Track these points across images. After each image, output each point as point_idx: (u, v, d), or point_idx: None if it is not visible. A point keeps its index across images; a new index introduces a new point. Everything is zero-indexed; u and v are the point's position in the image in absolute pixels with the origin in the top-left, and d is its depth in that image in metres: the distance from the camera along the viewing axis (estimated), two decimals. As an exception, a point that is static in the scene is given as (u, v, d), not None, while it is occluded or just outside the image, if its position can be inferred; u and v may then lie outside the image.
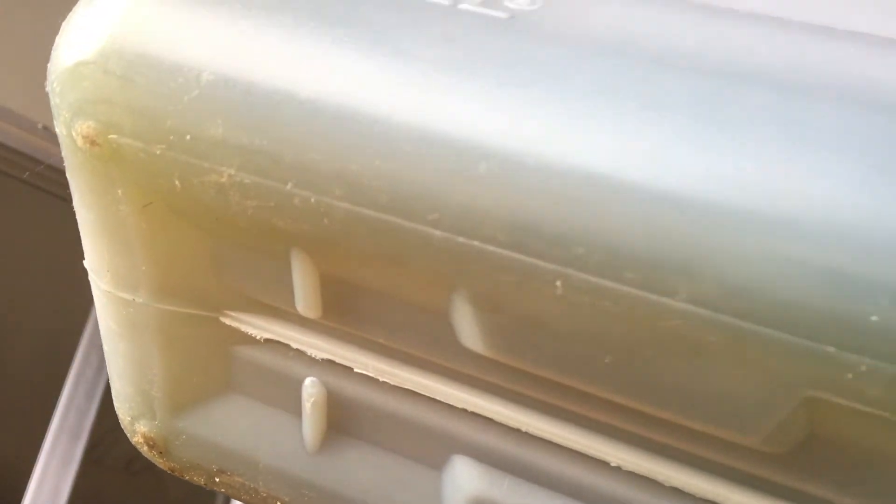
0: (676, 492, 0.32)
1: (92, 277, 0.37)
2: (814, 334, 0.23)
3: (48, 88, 0.32)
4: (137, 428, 0.41)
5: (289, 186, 0.29)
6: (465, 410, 0.35)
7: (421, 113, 0.27)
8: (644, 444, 0.32)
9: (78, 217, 0.36)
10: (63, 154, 0.34)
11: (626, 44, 0.27)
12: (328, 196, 0.28)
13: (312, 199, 0.29)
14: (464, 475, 0.35)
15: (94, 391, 1.27)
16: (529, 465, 0.34)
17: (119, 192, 0.32)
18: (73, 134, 0.31)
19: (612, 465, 0.32)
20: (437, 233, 0.27)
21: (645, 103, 0.25)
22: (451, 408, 0.35)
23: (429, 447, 0.36)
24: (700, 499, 0.32)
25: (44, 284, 1.71)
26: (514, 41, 0.27)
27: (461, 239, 0.27)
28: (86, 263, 0.37)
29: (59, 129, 0.32)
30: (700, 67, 0.26)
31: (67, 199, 1.21)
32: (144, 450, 0.42)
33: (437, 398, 0.35)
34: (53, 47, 0.32)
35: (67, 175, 0.35)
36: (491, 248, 0.27)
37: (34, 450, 1.20)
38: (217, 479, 0.41)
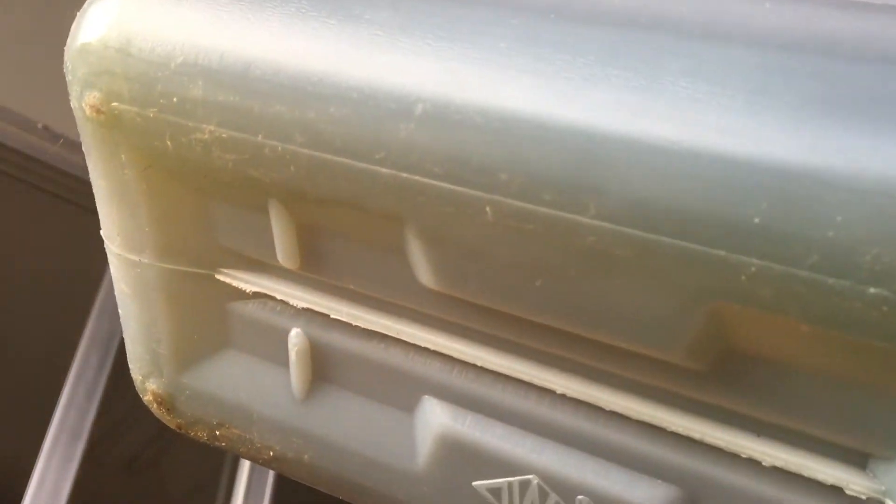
0: (617, 416, 0.35)
1: (106, 244, 0.40)
2: (707, 240, 0.26)
3: (65, 70, 0.36)
4: (148, 386, 0.44)
5: (259, 137, 0.33)
6: (429, 351, 0.38)
7: (366, 65, 0.31)
8: (584, 370, 0.35)
9: (93, 188, 0.39)
10: (78, 128, 0.37)
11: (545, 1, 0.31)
12: (292, 143, 0.33)
13: (279, 148, 0.33)
14: (430, 414, 0.38)
15: (94, 391, 1.27)
16: (488, 400, 0.37)
17: (123, 157, 0.36)
18: (84, 105, 0.35)
19: (558, 392, 0.35)
20: (384, 170, 0.31)
21: (558, 50, 0.29)
22: (417, 349, 0.38)
23: (400, 390, 0.40)
24: (638, 421, 0.35)
25: (44, 284, 1.71)
26: (446, 5, 0.32)
27: (405, 175, 0.31)
28: (102, 232, 0.40)
29: (73, 104, 0.36)
30: (607, 20, 0.30)
31: (68, 200, 1.21)
32: (154, 408, 0.45)
33: (405, 339, 0.38)
34: (69, 36, 0.36)
35: (83, 148, 0.38)
36: (430, 181, 0.31)
37: (34, 449, 1.20)
38: (217, 433, 0.44)
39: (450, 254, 0.33)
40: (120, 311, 0.42)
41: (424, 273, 0.34)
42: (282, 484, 1.37)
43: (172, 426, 0.46)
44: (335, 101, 0.31)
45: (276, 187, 0.35)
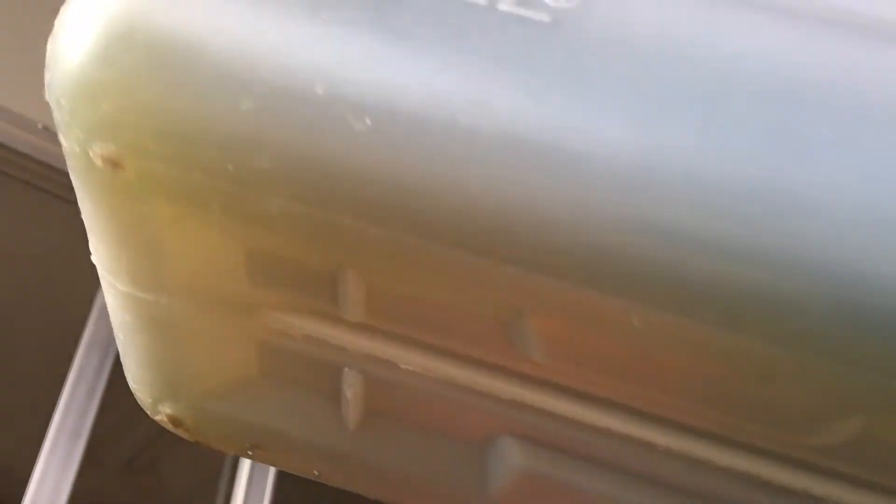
0: (707, 464, 0.34)
1: (104, 276, 0.37)
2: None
3: (48, 98, 0.30)
4: (161, 409, 0.42)
5: (347, 220, 0.29)
6: (510, 400, 0.36)
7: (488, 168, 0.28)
8: (685, 430, 0.34)
9: (87, 220, 0.35)
10: (70, 164, 0.32)
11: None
12: (393, 230, 0.29)
13: (373, 232, 0.29)
14: (509, 452, 0.37)
15: (94, 391, 1.26)
16: (572, 443, 0.36)
17: (144, 207, 0.32)
18: (90, 154, 0.30)
19: (659, 445, 0.35)
20: (508, 267, 0.29)
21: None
22: (497, 397, 0.37)
23: (471, 428, 0.39)
24: (734, 470, 0.34)
25: (44, 284, 1.71)
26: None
27: (529, 273, 0.28)
28: (96, 262, 0.37)
29: (69, 145, 0.30)
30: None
31: (67, 199, 1.20)
32: (169, 427, 0.43)
33: (484, 391, 0.36)
34: (49, 51, 0.30)
35: (74, 182, 0.33)
36: (566, 285, 0.28)
37: (34, 450, 1.19)
38: (250, 452, 0.43)
39: (578, 342, 0.31)
40: (120, 336, 0.40)
41: (537, 352, 0.32)
42: (282, 484, 1.37)
43: (190, 440, 0.44)
44: (448, 195, 0.27)
45: (358, 261, 0.32)
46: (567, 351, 0.32)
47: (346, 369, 0.38)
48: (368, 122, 0.27)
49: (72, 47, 0.29)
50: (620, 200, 0.26)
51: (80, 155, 0.30)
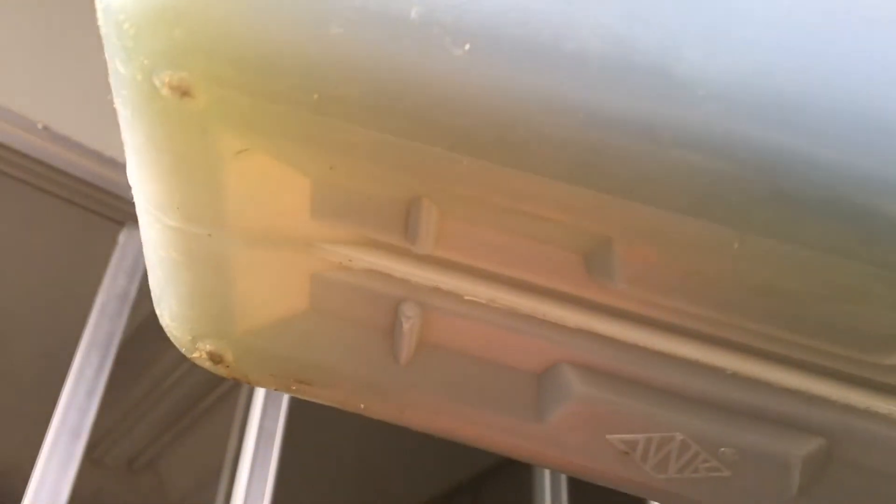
0: (765, 383, 0.36)
1: (149, 210, 0.36)
2: None
3: (102, 21, 0.28)
4: (200, 346, 0.41)
5: (437, 149, 0.28)
6: (570, 327, 0.37)
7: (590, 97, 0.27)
8: (744, 348, 0.35)
9: (138, 154, 0.34)
10: (122, 94, 0.31)
11: None
12: (484, 159, 0.28)
13: (461, 161, 0.28)
14: (566, 380, 0.38)
15: (94, 391, 1.26)
16: (631, 366, 0.37)
17: (208, 138, 0.31)
18: (155, 81, 0.28)
19: (713, 365, 0.35)
20: (604, 195, 0.28)
21: None
22: (553, 324, 0.37)
23: (529, 357, 0.39)
24: (786, 388, 0.36)
25: (44, 284, 1.71)
26: None
27: (617, 200, 0.28)
28: (139, 197, 0.36)
29: (129, 72, 0.29)
30: None
31: (68, 199, 1.19)
32: (207, 364, 0.42)
33: (548, 320, 0.37)
34: None
35: (125, 113, 0.31)
36: (660, 210, 0.28)
37: (34, 449, 1.19)
38: (294, 388, 0.43)
39: (667, 268, 0.31)
40: (158, 274, 0.39)
41: (619, 281, 0.33)
42: (282, 484, 1.37)
43: (225, 376, 0.44)
44: (551, 121, 0.27)
45: (437, 191, 0.31)
46: (652, 278, 0.32)
47: (405, 302, 0.38)
48: (467, 46, 0.26)
49: None
50: (728, 125, 0.26)
51: (141, 83, 0.29)
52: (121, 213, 1.32)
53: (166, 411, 1.91)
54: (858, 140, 0.26)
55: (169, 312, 0.41)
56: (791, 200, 0.27)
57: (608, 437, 0.38)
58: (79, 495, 1.19)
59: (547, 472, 1.70)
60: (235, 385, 1.67)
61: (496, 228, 0.33)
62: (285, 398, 1.42)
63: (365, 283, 0.38)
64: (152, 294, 0.41)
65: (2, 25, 1.41)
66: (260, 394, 1.42)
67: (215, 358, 0.42)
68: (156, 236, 0.37)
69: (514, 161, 0.28)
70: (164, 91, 0.28)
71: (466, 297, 0.37)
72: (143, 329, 1.52)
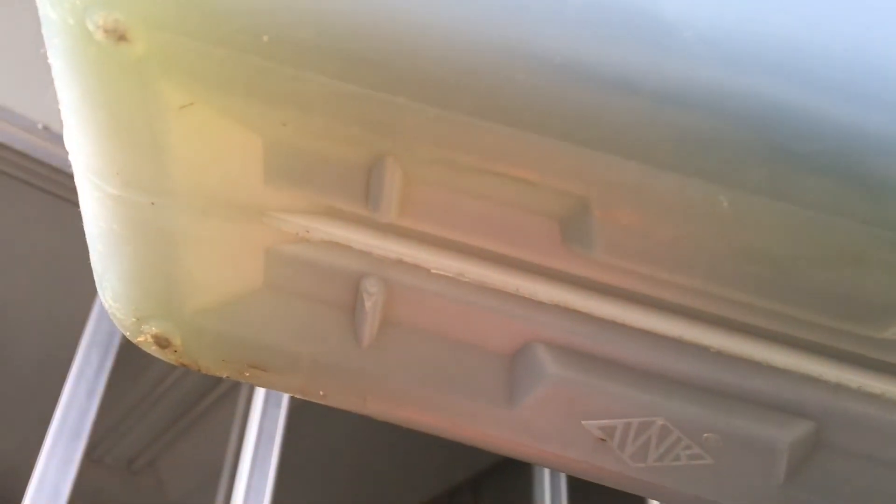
0: (750, 362, 0.34)
1: (87, 177, 0.34)
2: None
3: None
4: (145, 329, 0.39)
5: (401, 98, 0.26)
6: (541, 302, 0.35)
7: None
8: (728, 324, 0.34)
9: (72, 111, 0.31)
10: (54, 42, 0.28)
11: None
12: (453, 109, 0.26)
13: (428, 112, 0.26)
14: (539, 360, 0.36)
15: (94, 391, 1.27)
16: (607, 346, 0.35)
17: (148, 91, 0.29)
18: (88, 24, 0.26)
19: (695, 343, 0.34)
20: (573, 147, 0.27)
21: None
22: (524, 299, 0.35)
23: (497, 334, 0.37)
24: (772, 366, 0.34)
25: (44, 284, 1.72)
26: None
27: (596, 154, 0.27)
28: (76, 161, 0.33)
29: (59, 15, 0.26)
30: None
31: (68, 200, 1.20)
32: (152, 349, 0.40)
33: (521, 295, 0.35)
34: None
35: (58, 63, 0.29)
36: (640, 165, 0.27)
37: (35, 449, 1.20)
38: (247, 374, 0.40)
39: (648, 232, 0.29)
40: (98, 248, 0.36)
41: (598, 249, 0.31)
42: (282, 484, 1.37)
43: (174, 363, 0.41)
44: (525, 67, 0.25)
45: (401, 149, 0.29)
46: (633, 244, 0.30)
47: (367, 277, 0.36)
48: None
49: None
50: (718, 72, 0.25)
51: (73, 27, 0.26)
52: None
53: (166, 411, 1.92)
54: (861, 90, 0.24)
55: (111, 292, 0.38)
56: (786, 155, 0.25)
57: (584, 423, 0.36)
58: (79, 495, 1.20)
59: (547, 471, 1.70)
60: (235, 385, 1.67)
61: (465, 193, 0.31)
62: (285, 398, 1.42)
63: (323, 257, 0.36)
64: (94, 272, 0.38)
65: (1, 26, 1.42)
66: (260, 394, 1.42)
67: (162, 342, 0.39)
68: (95, 206, 0.34)
69: (484, 111, 0.26)
70: (98, 35, 0.26)
71: (433, 271, 0.35)
72: (143, 329, 1.52)
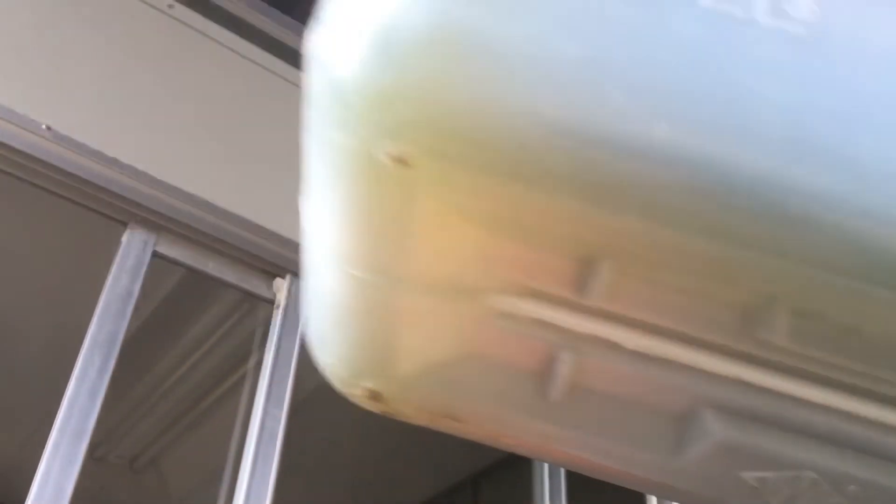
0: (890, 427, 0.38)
1: (333, 261, 0.39)
2: None
3: (316, 91, 0.30)
4: (360, 382, 0.44)
5: (632, 218, 0.30)
6: (719, 374, 0.39)
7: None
8: (878, 397, 0.37)
9: (334, 211, 0.36)
10: (330, 157, 0.33)
11: None
12: (678, 228, 0.30)
13: (654, 230, 0.31)
14: (709, 424, 0.40)
15: (97, 390, 1.27)
16: (768, 410, 0.39)
17: (411, 202, 0.33)
18: (377, 152, 0.30)
19: (845, 411, 0.37)
20: (776, 261, 0.30)
21: None
22: (706, 371, 0.39)
23: (675, 401, 0.41)
24: None
25: (47, 284, 1.72)
26: None
27: (783, 261, 0.30)
28: (325, 249, 0.39)
29: (346, 141, 0.31)
30: None
31: (69, 199, 1.20)
32: (363, 400, 0.45)
33: (702, 369, 0.39)
34: (326, 46, 0.30)
35: (328, 174, 0.34)
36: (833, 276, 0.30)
37: (38, 448, 1.20)
38: (442, 422, 0.45)
39: (821, 330, 0.33)
40: (327, 318, 0.42)
41: (781, 337, 0.34)
42: (284, 482, 1.37)
43: (375, 411, 0.47)
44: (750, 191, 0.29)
45: (619, 254, 0.34)
46: (816, 336, 0.33)
47: (563, 349, 0.40)
48: (665, 127, 0.28)
49: (368, 47, 0.28)
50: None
51: (357, 151, 0.30)
52: (124, 213, 1.31)
53: (168, 410, 1.92)
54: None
55: (333, 352, 0.44)
56: None
57: (741, 474, 0.40)
58: (82, 493, 1.20)
59: (546, 469, 1.70)
60: (237, 385, 1.68)
61: (666, 286, 0.35)
62: (287, 398, 1.42)
63: (527, 331, 0.40)
64: (312, 336, 0.43)
65: (5, 26, 1.42)
66: (262, 394, 1.42)
67: (375, 396, 0.45)
68: (333, 283, 0.40)
69: (706, 230, 0.30)
70: (383, 159, 0.30)
71: (630, 347, 0.40)
72: (145, 329, 1.53)
